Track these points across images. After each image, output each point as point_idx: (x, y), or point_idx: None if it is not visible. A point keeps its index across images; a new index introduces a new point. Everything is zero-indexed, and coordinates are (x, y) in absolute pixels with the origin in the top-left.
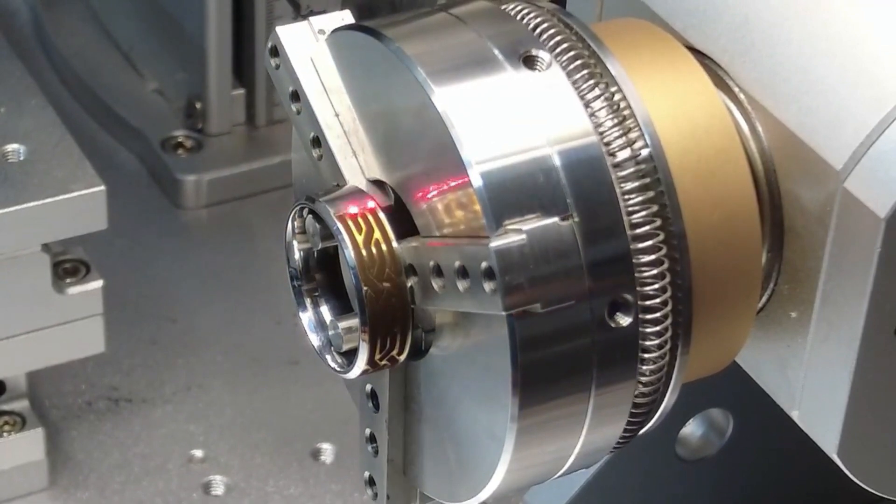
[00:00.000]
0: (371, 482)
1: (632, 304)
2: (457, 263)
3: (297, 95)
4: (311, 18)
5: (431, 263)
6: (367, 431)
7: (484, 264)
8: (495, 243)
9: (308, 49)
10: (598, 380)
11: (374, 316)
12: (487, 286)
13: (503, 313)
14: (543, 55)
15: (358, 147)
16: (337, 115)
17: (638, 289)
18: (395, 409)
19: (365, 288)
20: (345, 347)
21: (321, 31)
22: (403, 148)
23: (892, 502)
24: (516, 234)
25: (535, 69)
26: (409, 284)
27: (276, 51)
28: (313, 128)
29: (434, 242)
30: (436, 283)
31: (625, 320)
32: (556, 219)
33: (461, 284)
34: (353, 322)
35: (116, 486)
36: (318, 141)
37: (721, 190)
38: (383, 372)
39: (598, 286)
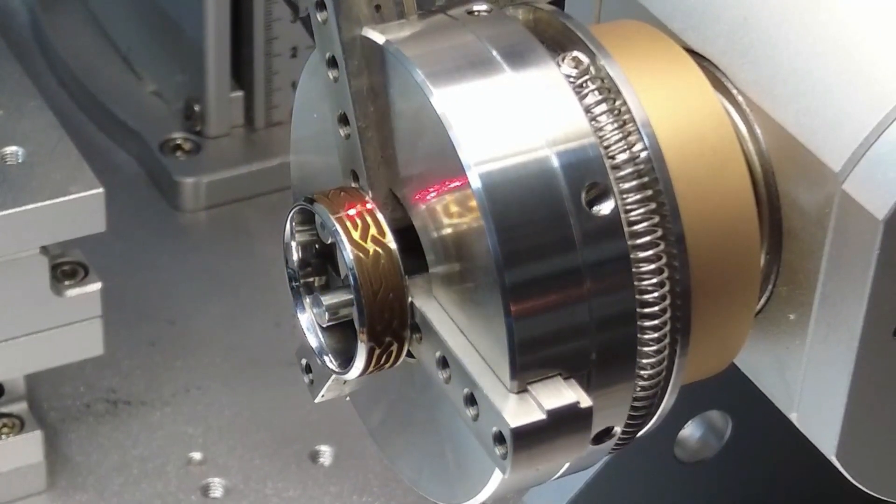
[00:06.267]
0: (308, 370)
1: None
2: (466, 391)
3: (335, 62)
4: None
5: (438, 354)
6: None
7: (495, 429)
8: (515, 423)
9: (360, 18)
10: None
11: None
12: (498, 450)
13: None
14: (608, 202)
15: (387, 144)
16: (371, 107)
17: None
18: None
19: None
20: (327, 323)
21: (378, 7)
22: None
23: None
24: (537, 411)
25: (600, 212)
26: (406, 337)
27: (323, 5)
28: (343, 105)
29: (447, 333)
30: (441, 373)
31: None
32: (575, 400)
33: (469, 411)
34: (340, 298)
35: (115, 489)
36: (347, 119)
37: (719, 192)
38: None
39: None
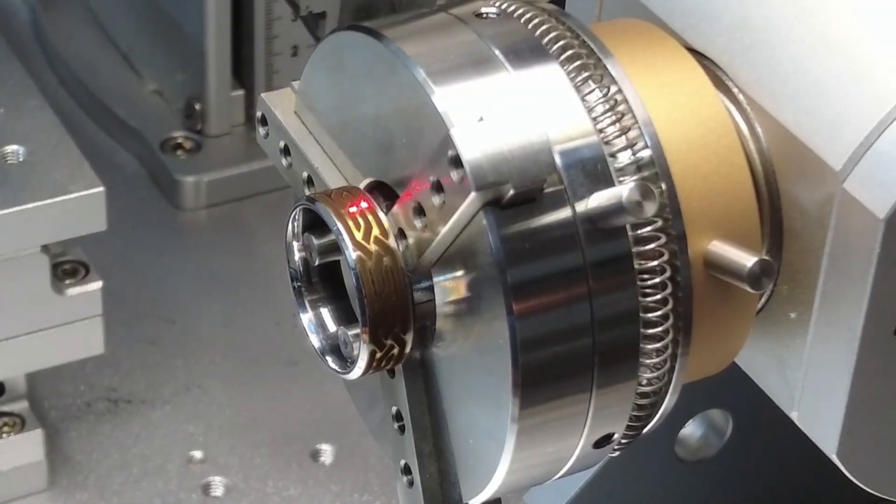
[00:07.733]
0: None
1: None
2: (432, 178)
3: (287, 150)
4: (292, 84)
5: (413, 205)
6: (402, 462)
7: (451, 152)
8: (456, 129)
9: (291, 106)
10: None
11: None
12: (455, 175)
13: (478, 203)
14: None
15: (343, 164)
16: (323, 150)
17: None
18: (421, 433)
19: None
20: (355, 353)
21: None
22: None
23: (892, 503)
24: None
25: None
26: (401, 249)
27: (265, 120)
28: (306, 168)
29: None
30: (419, 222)
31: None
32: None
33: (436, 199)
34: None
35: (116, 488)
36: (312, 180)
37: (721, 191)
38: (399, 387)
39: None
